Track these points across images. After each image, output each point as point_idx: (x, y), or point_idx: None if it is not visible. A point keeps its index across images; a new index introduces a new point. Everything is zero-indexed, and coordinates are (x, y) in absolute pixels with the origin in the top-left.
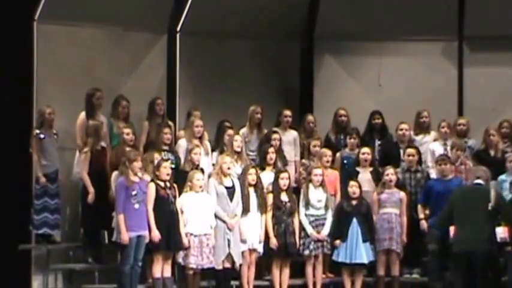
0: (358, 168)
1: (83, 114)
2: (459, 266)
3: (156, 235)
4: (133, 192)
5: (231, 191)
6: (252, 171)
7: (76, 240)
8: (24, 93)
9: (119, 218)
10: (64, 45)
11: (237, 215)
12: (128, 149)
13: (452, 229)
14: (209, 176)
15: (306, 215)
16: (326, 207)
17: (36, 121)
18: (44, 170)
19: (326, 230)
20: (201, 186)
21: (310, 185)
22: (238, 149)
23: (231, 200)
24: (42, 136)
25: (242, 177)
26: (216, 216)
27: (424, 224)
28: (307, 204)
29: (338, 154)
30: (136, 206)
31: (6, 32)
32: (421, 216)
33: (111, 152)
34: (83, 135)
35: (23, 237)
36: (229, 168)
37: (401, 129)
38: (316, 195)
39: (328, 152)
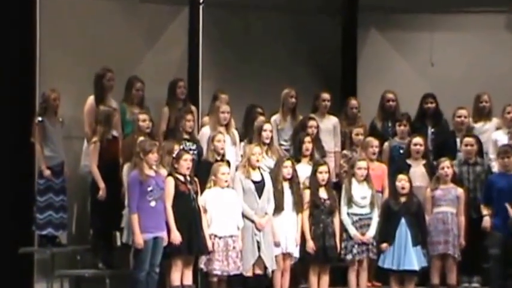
0: (408, 161)
1: (91, 99)
2: None
3: (176, 237)
4: (149, 188)
5: (259, 186)
6: (288, 163)
7: (84, 242)
8: (25, 75)
9: (133, 218)
10: (71, 19)
11: (268, 213)
12: (142, 138)
13: None
14: (236, 170)
15: (348, 214)
16: (371, 205)
17: (39, 107)
18: (48, 162)
19: (371, 232)
20: (226, 181)
21: (353, 180)
22: (268, 140)
23: (260, 196)
24: (45, 123)
25: (275, 170)
26: (243, 215)
27: (487, 222)
28: (350, 202)
29: (385, 144)
30: (153, 203)
31: (3, 4)
32: (485, 212)
33: (124, 142)
34: (92, 122)
35: (25, 238)
36: (258, 161)
37: (459, 116)
38: (360, 191)
39: (374, 142)
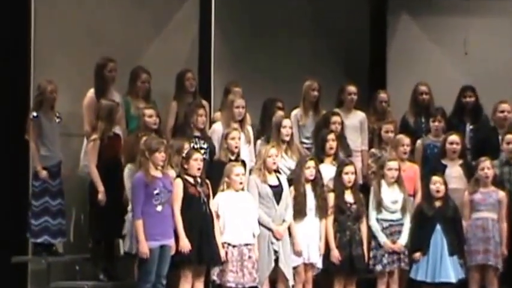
0: (443, 161)
1: (91, 92)
2: None
3: (185, 245)
4: (155, 191)
5: (277, 190)
6: (310, 163)
7: (84, 251)
8: (18, 65)
9: (137, 224)
10: (69, 3)
11: (286, 221)
12: (146, 136)
13: None
14: (250, 172)
15: (377, 220)
16: (403, 210)
17: (34, 100)
18: (43, 162)
19: (403, 240)
20: (241, 183)
21: (383, 182)
22: (288, 137)
23: (278, 202)
24: (41, 119)
25: (297, 171)
26: (258, 221)
27: None
28: (379, 207)
29: (418, 142)
30: (159, 208)
31: None
32: None
33: (126, 140)
34: (92, 118)
35: (18, 247)
36: (274, 163)
37: (501, 111)
38: (391, 195)
39: (406, 140)
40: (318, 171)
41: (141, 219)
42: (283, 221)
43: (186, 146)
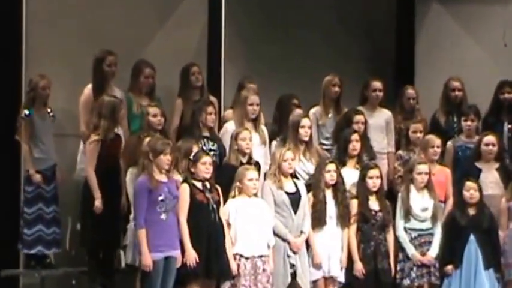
0: (478, 164)
1: (89, 88)
2: None
3: (192, 257)
4: (160, 197)
5: (294, 198)
6: (331, 167)
7: (81, 263)
8: (8, 58)
9: (140, 234)
10: None
11: (304, 232)
12: (149, 137)
13: None
14: (264, 177)
15: (405, 229)
16: (434, 219)
17: (26, 97)
18: (37, 164)
19: (434, 251)
20: (255, 188)
21: (412, 188)
22: (306, 138)
23: (295, 211)
24: (33, 118)
25: (316, 175)
26: (273, 233)
27: None
28: (408, 215)
29: (449, 143)
30: (164, 216)
31: None
32: None
33: (128, 141)
34: (89, 117)
35: (9, 258)
36: (290, 167)
37: None
38: (420, 201)
39: (437, 141)
40: (339, 176)
41: (144, 228)
42: (301, 232)
43: (195, 148)
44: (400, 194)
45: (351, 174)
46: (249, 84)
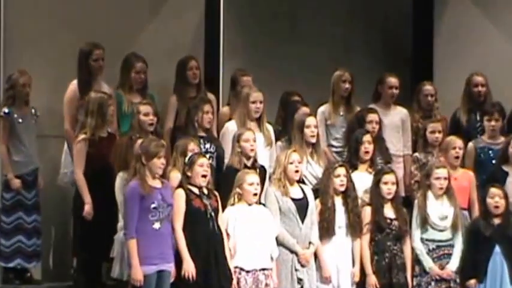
0: (505, 167)
1: (74, 84)
2: None
3: (189, 269)
4: (153, 205)
5: (301, 204)
6: (341, 171)
7: (65, 277)
8: None
9: (130, 245)
10: None
11: (313, 243)
12: (141, 138)
13: None
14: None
15: (422, 240)
16: (454, 229)
17: (4, 94)
18: (16, 169)
19: (454, 265)
20: (256, 195)
21: (430, 194)
22: (313, 139)
23: (303, 219)
24: (12, 117)
25: (324, 180)
26: (278, 242)
27: None
28: (425, 224)
29: (470, 145)
30: (157, 225)
31: None
32: None
33: (118, 143)
34: (74, 115)
35: None
36: (297, 171)
37: None
38: (439, 209)
39: (458, 142)
40: (350, 181)
41: (135, 238)
42: (309, 243)
43: (192, 146)
44: (416, 201)
45: (363, 179)
46: (242, 77)
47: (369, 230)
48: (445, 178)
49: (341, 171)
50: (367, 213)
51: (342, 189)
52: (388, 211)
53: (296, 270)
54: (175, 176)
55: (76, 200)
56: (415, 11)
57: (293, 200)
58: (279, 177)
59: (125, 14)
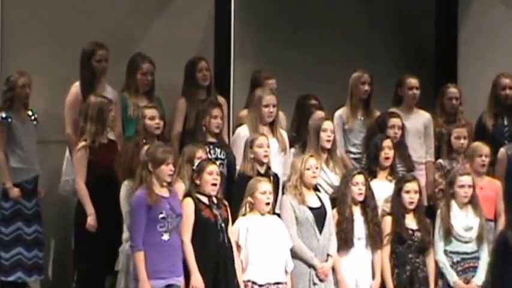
0: None
1: (76, 87)
2: None
3: (198, 283)
4: (161, 215)
5: (319, 213)
6: (359, 179)
7: None
8: None
9: (137, 257)
10: None
11: (331, 255)
12: (149, 143)
13: None
14: (283, 189)
15: (446, 252)
16: (479, 240)
17: (2, 97)
18: (15, 177)
19: (479, 279)
20: (268, 204)
21: (454, 203)
22: (329, 145)
23: (321, 230)
24: (11, 121)
25: (341, 189)
26: (294, 255)
27: None
28: (448, 235)
29: (502, 151)
30: (166, 236)
31: None
32: None
33: (122, 149)
34: (76, 119)
35: None
36: (314, 177)
37: None
38: (463, 219)
39: (484, 148)
40: (369, 189)
41: (143, 251)
42: (328, 255)
43: (199, 154)
44: (439, 211)
45: (382, 188)
46: (266, 80)
47: (389, 241)
48: (470, 186)
49: (359, 179)
50: (387, 223)
51: (360, 198)
52: (410, 221)
53: (314, 284)
54: (179, 187)
55: (78, 210)
56: (437, 9)
57: (310, 208)
58: (295, 184)
59: (130, 12)
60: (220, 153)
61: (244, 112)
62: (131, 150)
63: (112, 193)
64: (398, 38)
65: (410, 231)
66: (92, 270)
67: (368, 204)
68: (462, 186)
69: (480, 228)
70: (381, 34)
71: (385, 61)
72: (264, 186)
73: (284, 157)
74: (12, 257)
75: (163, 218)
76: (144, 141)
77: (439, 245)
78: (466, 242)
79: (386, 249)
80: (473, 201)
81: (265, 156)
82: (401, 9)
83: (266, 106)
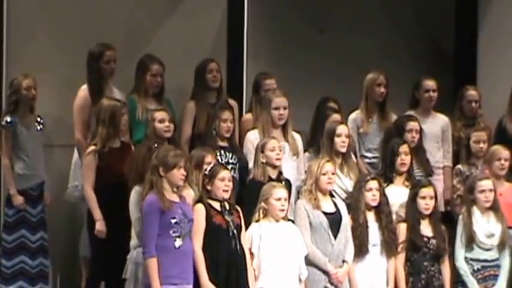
0: None
1: (84, 90)
2: None
3: None
4: (174, 220)
5: (334, 219)
6: (373, 184)
7: None
8: None
9: (150, 264)
10: None
11: (347, 261)
12: (158, 146)
13: None
14: (298, 194)
15: (467, 259)
16: (501, 247)
17: (7, 101)
18: (20, 183)
19: (501, 286)
20: (283, 210)
21: (474, 209)
22: (344, 149)
23: (335, 235)
24: (16, 126)
25: (355, 194)
26: (308, 261)
27: None
28: (470, 242)
29: None
30: (178, 242)
31: None
32: None
33: (136, 153)
34: (85, 123)
35: None
36: (330, 183)
37: None
38: (485, 226)
39: (504, 152)
40: (383, 195)
41: (155, 257)
42: (343, 261)
43: (208, 159)
44: (460, 218)
45: (399, 194)
46: (265, 80)
47: (403, 248)
48: (491, 190)
49: (373, 184)
50: (402, 230)
51: (374, 204)
52: (425, 228)
53: None
54: (188, 193)
55: (90, 217)
56: (457, 9)
57: (325, 213)
58: (309, 189)
59: (139, 12)
60: (231, 158)
61: (248, 116)
62: (143, 155)
63: (122, 199)
64: (416, 39)
65: (425, 239)
66: (99, 279)
67: (382, 210)
68: (483, 191)
69: (502, 234)
70: (399, 37)
71: (401, 63)
72: (279, 192)
73: (296, 161)
74: (15, 265)
75: (176, 223)
76: (156, 145)
77: (460, 252)
78: (488, 250)
79: (401, 257)
80: (494, 206)
81: (278, 159)
82: (420, 9)
83: (276, 108)
